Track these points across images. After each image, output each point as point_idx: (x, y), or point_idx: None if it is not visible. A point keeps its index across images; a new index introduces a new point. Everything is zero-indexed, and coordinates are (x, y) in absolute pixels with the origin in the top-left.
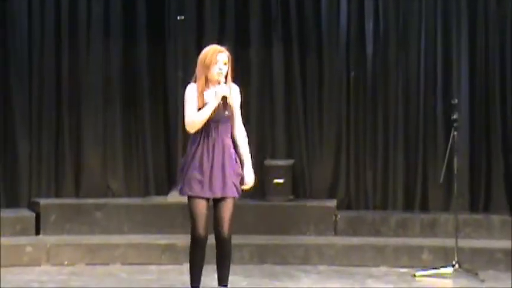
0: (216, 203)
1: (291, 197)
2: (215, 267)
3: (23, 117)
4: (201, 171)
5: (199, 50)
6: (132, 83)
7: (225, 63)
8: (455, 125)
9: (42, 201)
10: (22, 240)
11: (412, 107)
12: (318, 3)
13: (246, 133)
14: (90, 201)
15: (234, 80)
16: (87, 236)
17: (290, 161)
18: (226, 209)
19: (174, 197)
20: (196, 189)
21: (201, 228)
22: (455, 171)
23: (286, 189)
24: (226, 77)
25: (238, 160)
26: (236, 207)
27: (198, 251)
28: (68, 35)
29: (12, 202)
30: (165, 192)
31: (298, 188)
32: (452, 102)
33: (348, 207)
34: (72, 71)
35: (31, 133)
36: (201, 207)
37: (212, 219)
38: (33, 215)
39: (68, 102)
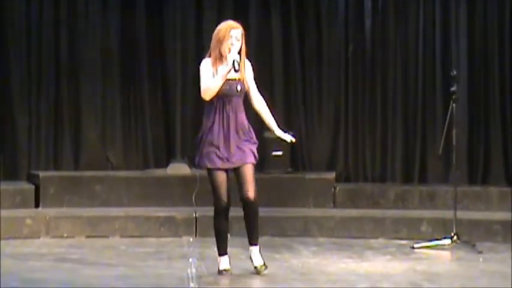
0: (236, 171)
1: (290, 169)
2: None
3: (22, 90)
4: (218, 145)
5: (198, 22)
6: (131, 55)
7: (238, 40)
8: (454, 97)
9: (42, 174)
10: (21, 212)
11: (411, 79)
12: None
13: (263, 100)
14: (90, 173)
15: (248, 56)
16: (87, 208)
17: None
18: (248, 173)
19: (173, 169)
20: (216, 162)
21: (223, 197)
22: (454, 144)
23: (285, 162)
24: (240, 53)
25: (251, 129)
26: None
27: (222, 219)
28: (67, 8)
29: (12, 174)
30: (164, 164)
31: (297, 160)
32: (451, 74)
33: (347, 179)
34: (71, 44)
35: (30, 106)
36: (222, 177)
37: (234, 188)
38: (33, 187)
39: (66, 75)
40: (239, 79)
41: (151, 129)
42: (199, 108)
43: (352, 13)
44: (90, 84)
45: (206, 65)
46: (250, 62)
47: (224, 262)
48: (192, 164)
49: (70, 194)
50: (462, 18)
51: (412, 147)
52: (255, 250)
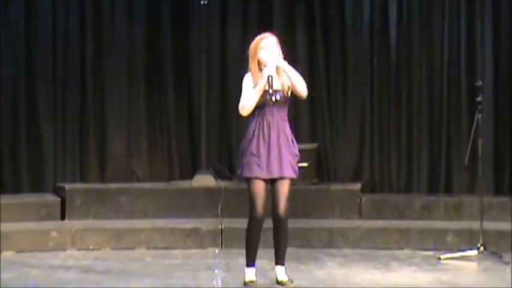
0: (273, 184)
1: (315, 180)
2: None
3: (48, 102)
4: (258, 154)
5: (223, 33)
6: (156, 67)
7: (273, 47)
8: (479, 107)
9: (68, 186)
10: (47, 225)
11: (436, 89)
12: None
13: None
14: (115, 185)
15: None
16: (112, 220)
17: (314, 145)
18: (283, 189)
19: (199, 181)
20: (255, 171)
21: (259, 208)
22: (480, 154)
23: (310, 173)
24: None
25: (294, 141)
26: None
27: (255, 230)
28: (92, 21)
29: (38, 187)
30: (189, 176)
31: (323, 171)
32: (476, 84)
33: (372, 190)
34: (96, 56)
35: (56, 118)
36: (260, 187)
37: (270, 200)
38: (59, 199)
39: (92, 87)
40: (279, 89)
41: (177, 141)
42: (224, 120)
43: (376, 24)
44: (115, 97)
45: (247, 80)
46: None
47: (250, 273)
48: (218, 175)
49: (96, 206)
50: (487, 28)
51: (437, 157)
52: (280, 270)
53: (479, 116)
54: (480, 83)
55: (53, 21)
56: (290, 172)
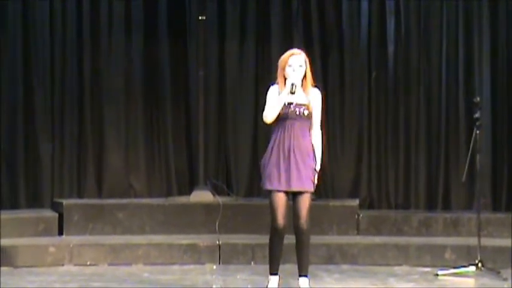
0: (294, 197)
1: (313, 197)
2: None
3: (45, 117)
4: (278, 167)
5: (221, 49)
6: (154, 83)
7: (301, 65)
8: (477, 123)
9: (65, 202)
10: (45, 240)
11: (434, 106)
12: (339, 3)
13: (321, 135)
14: (113, 201)
15: (315, 84)
16: (110, 236)
17: None
18: (304, 202)
19: (196, 196)
20: (275, 183)
21: (280, 219)
22: (478, 170)
23: None
24: (304, 79)
25: (315, 157)
26: (311, 202)
27: (277, 241)
28: (90, 35)
29: (35, 202)
30: (187, 192)
31: (320, 187)
32: (474, 100)
33: (370, 206)
34: (94, 71)
35: (53, 133)
36: (280, 199)
37: (291, 212)
38: (56, 215)
39: (90, 103)
40: (304, 104)
41: (175, 157)
42: (222, 135)
43: (374, 40)
44: (113, 112)
45: (271, 91)
46: (319, 90)
47: (273, 281)
48: (216, 190)
49: (93, 221)
50: (485, 44)
51: (435, 174)
52: (303, 281)
53: (477, 132)
54: (478, 99)
55: (50, 36)
56: (310, 185)
